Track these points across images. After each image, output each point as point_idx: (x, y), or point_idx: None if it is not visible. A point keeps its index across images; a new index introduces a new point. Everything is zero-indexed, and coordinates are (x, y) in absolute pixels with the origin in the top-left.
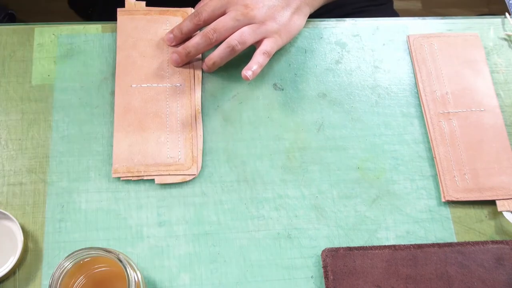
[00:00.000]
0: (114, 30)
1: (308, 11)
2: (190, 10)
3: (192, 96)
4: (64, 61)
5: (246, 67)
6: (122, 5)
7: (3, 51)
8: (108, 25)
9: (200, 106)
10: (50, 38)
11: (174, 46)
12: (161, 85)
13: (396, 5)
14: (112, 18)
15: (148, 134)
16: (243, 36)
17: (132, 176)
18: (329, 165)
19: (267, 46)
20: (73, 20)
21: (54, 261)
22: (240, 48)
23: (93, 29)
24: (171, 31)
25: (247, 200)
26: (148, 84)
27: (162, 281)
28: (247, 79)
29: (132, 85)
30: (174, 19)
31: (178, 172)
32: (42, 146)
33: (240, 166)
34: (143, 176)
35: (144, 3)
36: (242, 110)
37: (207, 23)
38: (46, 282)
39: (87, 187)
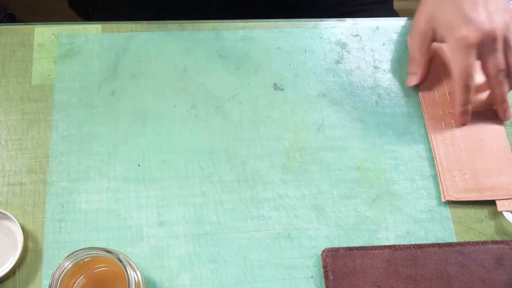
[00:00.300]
0: (115, 30)
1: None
2: None
3: None
4: (64, 61)
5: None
6: (122, 5)
7: (3, 51)
8: (108, 25)
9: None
10: (50, 38)
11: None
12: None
13: (396, 5)
14: (112, 18)
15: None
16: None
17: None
18: (329, 165)
19: None
20: (73, 20)
21: (54, 261)
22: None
23: (93, 29)
24: (460, 113)
25: (247, 200)
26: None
27: (162, 281)
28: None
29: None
30: None
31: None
32: (42, 146)
33: (240, 166)
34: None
35: None
36: (242, 110)
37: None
38: (46, 282)
39: (87, 187)
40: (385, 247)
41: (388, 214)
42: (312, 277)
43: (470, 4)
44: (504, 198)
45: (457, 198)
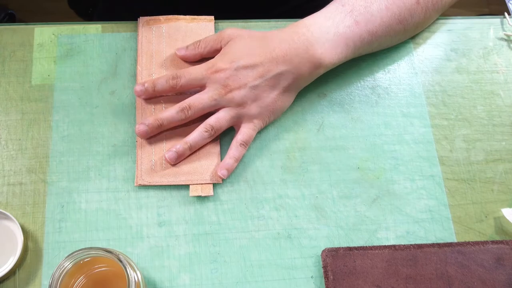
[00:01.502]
0: (115, 30)
1: (299, 89)
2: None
3: None
4: (64, 61)
5: (221, 165)
6: (122, 5)
7: (3, 51)
8: (108, 25)
9: None
10: (50, 38)
11: (142, 98)
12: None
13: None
14: (112, 18)
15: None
16: (219, 121)
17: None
18: (329, 165)
19: (244, 135)
20: (73, 20)
21: (54, 261)
22: (214, 133)
23: (93, 29)
24: (143, 83)
25: (247, 200)
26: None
27: (162, 281)
28: (223, 177)
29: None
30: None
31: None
32: (42, 146)
33: (240, 166)
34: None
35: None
36: None
37: (183, 89)
38: (46, 282)
39: (87, 187)
40: (385, 247)
41: (388, 214)
42: (312, 277)
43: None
44: (198, 183)
45: (149, 183)
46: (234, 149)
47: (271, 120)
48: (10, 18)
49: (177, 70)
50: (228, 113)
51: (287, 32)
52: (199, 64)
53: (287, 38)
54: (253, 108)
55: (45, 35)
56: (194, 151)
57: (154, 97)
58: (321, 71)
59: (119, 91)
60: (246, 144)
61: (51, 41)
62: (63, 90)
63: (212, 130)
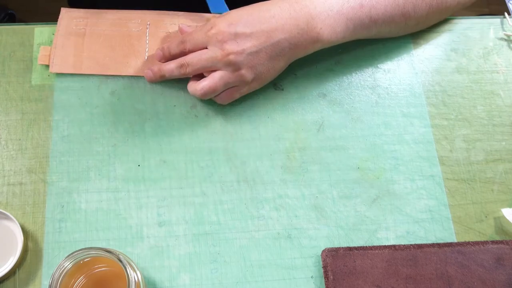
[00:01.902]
0: None
1: (292, 59)
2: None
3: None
4: None
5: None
6: (122, 5)
7: (3, 51)
8: None
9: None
10: (50, 38)
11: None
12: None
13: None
14: None
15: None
16: (214, 83)
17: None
18: (329, 165)
19: (226, 96)
20: None
21: (54, 261)
22: (209, 94)
23: None
24: (162, 48)
25: (247, 200)
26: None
27: (162, 281)
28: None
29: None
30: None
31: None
32: (42, 146)
33: (240, 166)
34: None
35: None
36: (242, 110)
37: (191, 51)
38: (46, 282)
39: (87, 187)
40: (385, 247)
41: (388, 214)
42: (312, 277)
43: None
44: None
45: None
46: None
47: (257, 87)
48: (10, 18)
49: (183, 35)
50: (222, 76)
51: (289, 1)
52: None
53: (288, 7)
54: (248, 75)
55: (45, 35)
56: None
57: (171, 59)
58: (318, 47)
59: (119, 91)
60: (222, 101)
61: (51, 41)
62: (63, 90)
63: (207, 92)
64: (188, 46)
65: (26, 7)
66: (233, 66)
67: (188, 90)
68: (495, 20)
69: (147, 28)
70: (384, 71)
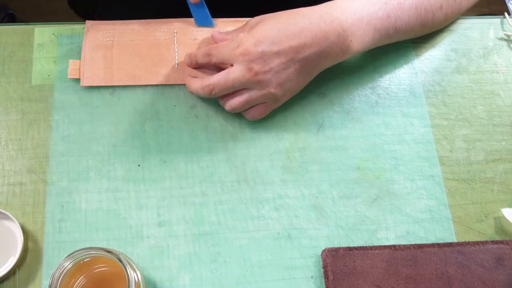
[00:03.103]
0: None
1: (320, 70)
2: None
3: None
4: (64, 61)
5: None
6: (122, 5)
7: (3, 51)
8: None
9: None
10: (50, 38)
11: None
12: None
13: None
14: (112, 18)
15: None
16: (243, 101)
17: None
18: (329, 165)
19: (256, 111)
20: (73, 20)
21: (54, 261)
22: (238, 110)
23: None
24: (189, 55)
25: (247, 200)
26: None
27: (162, 281)
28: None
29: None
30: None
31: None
32: (42, 146)
33: (240, 166)
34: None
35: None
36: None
37: (216, 65)
38: (46, 282)
39: (87, 187)
40: (385, 247)
41: (388, 214)
42: (312, 277)
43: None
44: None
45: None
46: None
47: (285, 100)
48: (10, 18)
49: (210, 47)
50: (251, 95)
51: (319, 12)
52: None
53: (318, 19)
54: (277, 93)
55: (45, 35)
56: None
57: (198, 67)
58: (346, 57)
59: (119, 91)
60: (254, 118)
61: (51, 41)
62: (63, 90)
63: (236, 109)
64: (214, 60)
65: (26, 7)
66: (261, 85)
67: (219, 101)
68: (495, 20)
69: (174, 36)
70: (384, 71)
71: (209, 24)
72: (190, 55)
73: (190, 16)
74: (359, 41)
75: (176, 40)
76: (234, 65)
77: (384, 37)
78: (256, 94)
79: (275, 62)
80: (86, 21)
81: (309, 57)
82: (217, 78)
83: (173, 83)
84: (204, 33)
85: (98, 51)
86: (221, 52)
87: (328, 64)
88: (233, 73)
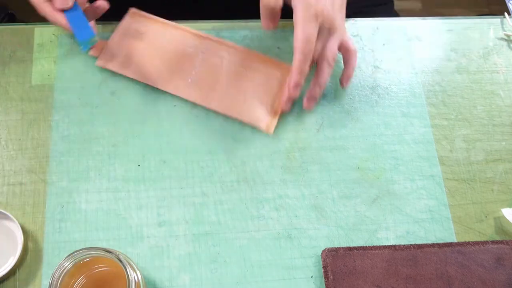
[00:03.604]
0: (115, 30)
1: None
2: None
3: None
4: (64, 61)
5: (309, 95)
6: (122, 5)
7: (3, 51)
8: (108, 25)
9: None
10: (50, 38)
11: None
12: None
13: (396, 5)
14: (113, 18)
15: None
16: (334, 51)
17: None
18: (329, 165)
19: (332, 51)
20: None
21: (54, 261)
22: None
23: None
24: (296, 84)
25: (247, 200)
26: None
27: (162, 281)
28: (310, 109)
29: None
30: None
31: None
32: (42, 146)
33: (240, 166)
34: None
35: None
36: None
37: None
38: (46, 282)
39: (87, 187)
40: (385, 247)
41: (388, 214)
42: (312, 277)
43: None
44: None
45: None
46: (326, 70)
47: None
48: (10, 18)
49: (302, 51)
50: (334, 41)
51: None
52: None
53: None
54: (341, 24)
55: (45, 35)
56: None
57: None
58: None
59: (119, 91)
60: (334, 61)
61: (51, 41)
62: (63, 90)
63: (333, 61)
64: (315, 55)
65: (26, 7)
66: (335, 27)
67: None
68: (495, 20)
69: (200, 54)
70: (384, 71)
71: (91, 35)
72: (296, 80)
73: (195, 19)
74: None
75: (202, 58)
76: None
77: None
78: (335, 37)
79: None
80: (131, 8)
81: None
82: (328, 51)
83: (181, 96)
84: (229, 54)
85: (126, 40)
86: (312, 41)
87: None
88: (335, 38)
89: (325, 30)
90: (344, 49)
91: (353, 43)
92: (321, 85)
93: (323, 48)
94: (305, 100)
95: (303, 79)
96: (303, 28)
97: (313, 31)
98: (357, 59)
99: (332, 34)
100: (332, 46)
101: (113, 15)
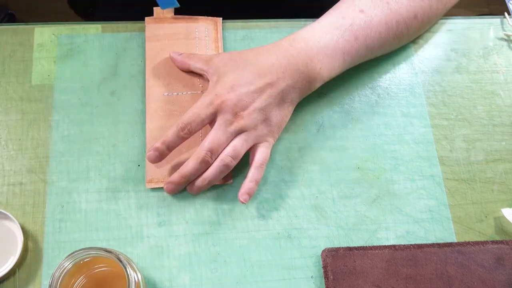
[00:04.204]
0: (115, 30)
1: (298, 101)
2: (219, 20)
3: None
4: (64, 61)
5: (243, 190)
6: (122, 4)
7: (3, 51)
8: (108, 25)
9: None
10: (50, 38)
11: (158, 162)
12: (193, 92)
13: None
14: (112, 18)
15: (182, 143)
16: (236, 150)
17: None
18: (329, 165)
19: (261, 156)
20: (73, 20)
21: (54, 261)
22: (234, 163)
23: (93, 29)
24: (156, 149)
25: None
26: (180, 93)
27: (162, 281)
28: (245, 202)
29: (164, 94)
30: (202, 26)
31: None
32: (42, 146)
33: (240, 166)
34: None
35: (172, 11)
36: None
37: (195, 133)
38: (46, 282)
39: (87, 187)
40: (385, 247)
41: (388, 214)
42: (312, 277)
43: (256, 83)
44: None
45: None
46: (254, 171)
47: (279, 135)
48: (10, 18)
49: (182, 119)
50: (242, 140)
51: (284, 46)
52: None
53: (285, 53)
54: (264, 128)
55: (45, 35)
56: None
57: (168, 154)
58: (318, 85)
59: (119, 91)
60: (264, 165)
61: (51, 41)
62: (63, 90)
63: (232, 161)
64: (193, 127)
65: (26, 7)
66: (249, 127)
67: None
68: (495, 20)
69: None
70: (384, 71)
71: (173, 5)
72: (156, 147)
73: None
74: (329, 67)
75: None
76: (217, 118)
77: (357, 57)
78: (247, 136)
79: (256, 100)
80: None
81: (286, 90)
82: (210, 141)
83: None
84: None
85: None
86: (200, 114)
87: (304, 94)
88: (221, 127)
89: (223, 124)
90: (251, 156)
91: (265, 157)
92: (181, 174)
93: (217, 140)
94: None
95: (164, 149)
96: (196, 106)
97: (203, 114)
98: (259, 174)
99: (239, 132)
100: (236, 144)
101: (111, 15)
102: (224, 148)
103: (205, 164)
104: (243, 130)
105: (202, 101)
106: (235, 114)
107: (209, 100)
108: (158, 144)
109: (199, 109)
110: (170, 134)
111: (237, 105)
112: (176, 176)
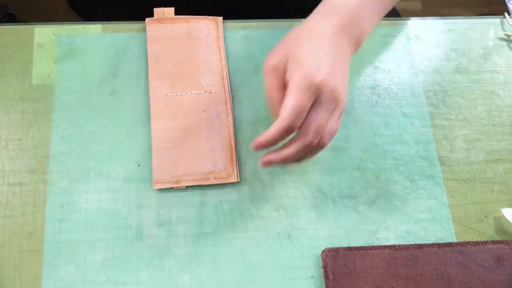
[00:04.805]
0: (115, 30)
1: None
2: (220, 19)
3: (228, 102)
4: (64, 61)
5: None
6: (122, 5)
7: (3, 51)
8: (108, 25)
9: (232, 112)
10: (50, 38)
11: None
12: (197, 92)
13: (396, 5)
14: (112, 18)
15: (187, 143)
16: (333, 130)
17: (175, 186)
18: (329, 165)
19: (336, 124)
20: (73, 20)
21: (54, 261)
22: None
23: (93, 29)
24: (258, 145)
25: (247, 200)
26: (184, 93)
27: (162, 281)
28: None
29: (168, 94)
30: (203, 25)
31: (219, 181)
32: (42, 146)
33: (240, 166)
34: (183, 186)
35: (172, 10)
36: (242, 110)
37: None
38: (46, 282)
39: (87, 187)
40: (385, 247)
41: (388, 214)
42: (312, 277)
43: (326, 50)
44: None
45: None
46: (300, 145)
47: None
48: (10, 18)
49: (309, 130)
50: (336, 118)
51: (329, 16)
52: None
53: (333, 21)
54: (343, 94)
55: (45, 35)
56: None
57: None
58: (363, 42)
59: (119, 91)
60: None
61: (51, 41)
62: (63, 90)
63: (329, 142)
64: (327, 131)
65: (26, 7)
66: (335, 96)
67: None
68: (495, 20)
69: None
70: (384, 71)
71: None
72: (267, 138)
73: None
74: (371, 26)
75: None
76: (318, 99)
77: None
78: (337, 115)
79: (328, 68)
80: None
81: (347, 54)
82: (315, 123)
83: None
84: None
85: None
86: (320, 114)
87: (353, 53)
88: (324, 108)
89: (324, 102)
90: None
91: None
92: (281, 158)
93: (322, 121)
94: (260, 160)
95: (269, 146)
96: (295, 98)
97: (306, 103)
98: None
99: (335, 107)
100: (333, 122)
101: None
102: (321, 124)
103: (309, 146)
104: (339, 106)
105: (297, 97)
106: (334, 92)
107: (302, 88)
108: (261, 140)
109: (298, 95)
110: (276, 129)
111: (322, 82)
112: (274, 156)
